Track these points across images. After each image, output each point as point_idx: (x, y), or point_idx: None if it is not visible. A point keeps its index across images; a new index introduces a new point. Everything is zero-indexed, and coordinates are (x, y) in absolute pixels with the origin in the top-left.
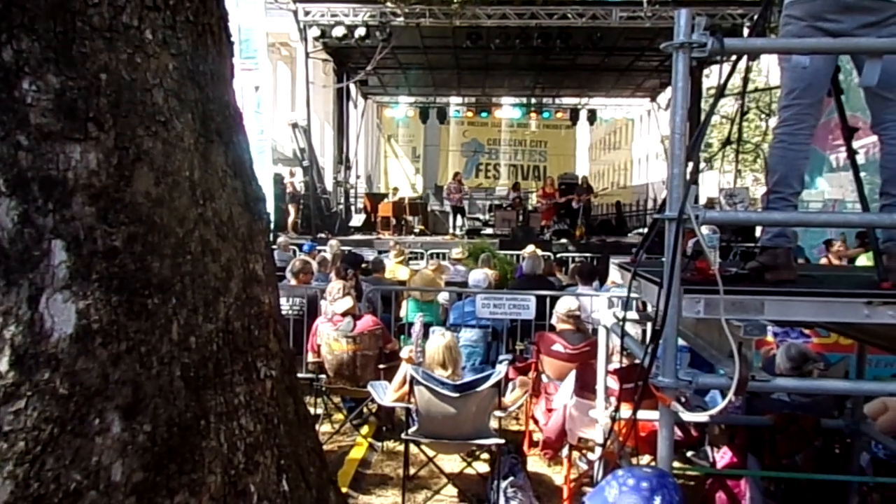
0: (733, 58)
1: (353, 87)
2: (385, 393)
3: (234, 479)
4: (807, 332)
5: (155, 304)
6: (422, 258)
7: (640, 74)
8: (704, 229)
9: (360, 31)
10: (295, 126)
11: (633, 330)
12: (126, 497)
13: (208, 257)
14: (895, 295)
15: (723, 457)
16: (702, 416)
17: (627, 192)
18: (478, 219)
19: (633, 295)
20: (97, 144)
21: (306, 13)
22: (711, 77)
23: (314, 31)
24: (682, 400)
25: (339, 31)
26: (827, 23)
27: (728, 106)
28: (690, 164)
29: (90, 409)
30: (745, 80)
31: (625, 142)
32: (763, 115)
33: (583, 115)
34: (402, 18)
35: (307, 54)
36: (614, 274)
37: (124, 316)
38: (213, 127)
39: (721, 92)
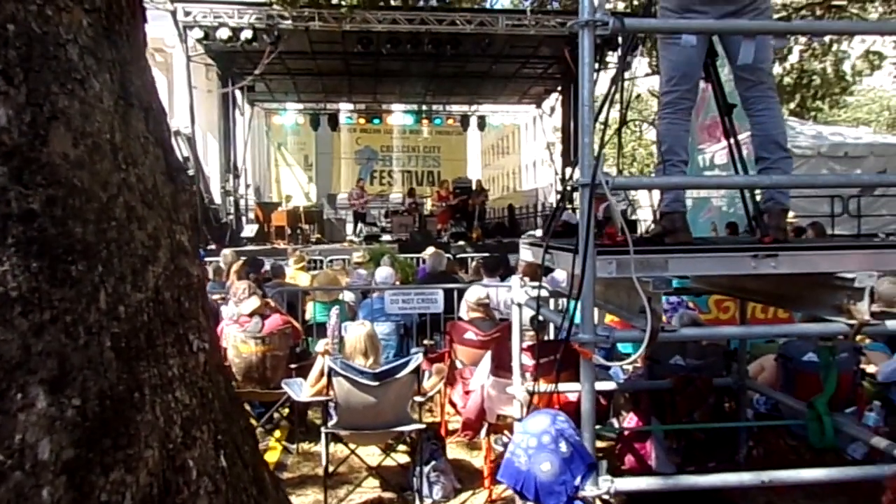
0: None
1: (238, 94)
2: (301, 389)
3: (172, 453)
4: (691, 305)
5: (80, 271)
6: (321, 266)
7: (525, 81)
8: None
9: (247, 34)
10: (177, 134)
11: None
12: (56, 476)
13: (134, 224)
14: (775, 248)
15: (629, 423)
16: (617, 366)
17: (518, 195)
18: (375, 224)
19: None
20: (7, 99)
21: (186, 13)
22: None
23: (196, 33)
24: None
25: (223, 34)
26: (695, 14)
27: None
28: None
29: (11, 383)
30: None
31: (514, 147)
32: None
33: (473, 121)
34: (290, 21)
35: (188, 58)
36: (524, 253)
37: (46, 283)
38: (132, 90)
39: (623, 66)
